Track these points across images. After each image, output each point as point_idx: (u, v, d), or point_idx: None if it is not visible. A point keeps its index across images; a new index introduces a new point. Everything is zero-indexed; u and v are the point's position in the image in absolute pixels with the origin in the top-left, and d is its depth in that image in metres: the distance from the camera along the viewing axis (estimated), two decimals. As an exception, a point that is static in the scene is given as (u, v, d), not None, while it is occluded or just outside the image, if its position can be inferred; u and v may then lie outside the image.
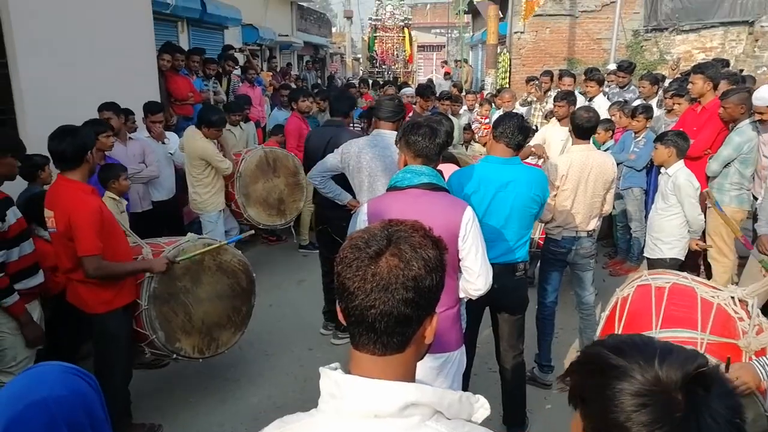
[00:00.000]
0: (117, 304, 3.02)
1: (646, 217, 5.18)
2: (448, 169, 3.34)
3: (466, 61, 19.24)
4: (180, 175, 5.61)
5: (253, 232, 4.89)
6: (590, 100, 6.54)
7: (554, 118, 5.74)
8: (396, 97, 4.86)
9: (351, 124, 4.85)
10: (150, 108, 5.16)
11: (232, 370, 4.04)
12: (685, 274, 2.45)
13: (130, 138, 4.91)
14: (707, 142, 4.82)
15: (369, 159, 3.61)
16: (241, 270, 3.64)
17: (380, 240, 1.07)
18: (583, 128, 3.74)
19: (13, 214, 2.99)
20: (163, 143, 5.35)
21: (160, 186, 5.21)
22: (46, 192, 3.07)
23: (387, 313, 1.03)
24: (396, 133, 3.70)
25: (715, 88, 5.05)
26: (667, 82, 7.85)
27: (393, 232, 1.09)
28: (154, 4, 6.74)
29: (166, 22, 8.89)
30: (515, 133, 3.04)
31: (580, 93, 6.63)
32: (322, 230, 4.47)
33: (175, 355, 3.30)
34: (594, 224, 3.88)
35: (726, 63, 7.75)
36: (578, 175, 3.73)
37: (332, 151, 4.20)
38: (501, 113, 6.18)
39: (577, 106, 5.05)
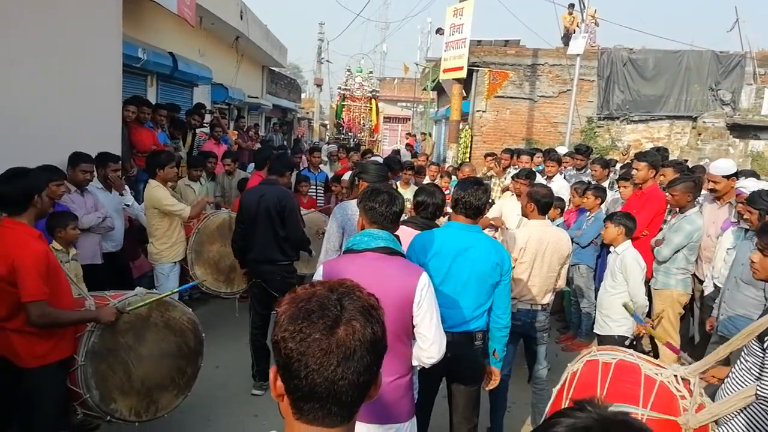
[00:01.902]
0: (52, 359, 2.84)
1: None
2: (405, 234, 3.37)
3: (429, 134, 19.92)
4: (131, 228, 5.50)
5: (206, 280, 4.81)
6: (548, 179, 6.81)
7: (509, 192, 5.94)
8: (378, 162, 4.99)
9: (290, 186, 4.98)
10: (110, 158, 5.10)
11: (170, 435, 3.82)
12: (631, 351, 2.50)
13: (86, 189, 4.81)
14: (644, 224, 5.08)
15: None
16: (189, 329, 3.49)
17: (334, 306, 1.01)
18: (542, 204, 3.87)
19: None
20: (121, 194, 5.25)
21: (109, 238, 5.06)
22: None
23: (353, 382, 0.99)
24: None
25: (655, 174, 5.39)
26: (618, 166, 8.30)
27: (342, 295, 1.04)
28: (125, 57, 6.79)
29: (135, 76, 8.95)
30: (470, 204, 3.08)
31: (539, 172, 6.92)
32: (255, 284, 4.51)
33: (108, 417, 3.07)
34: (548, 298, 3.95)
35: (665, 151, 8.28)
36: (536, 249, 3.83)
37: (265, 207, 4.36)
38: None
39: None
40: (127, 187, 5.43)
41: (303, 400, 0.99)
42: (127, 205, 5.30)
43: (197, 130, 8.76)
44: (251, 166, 8.82)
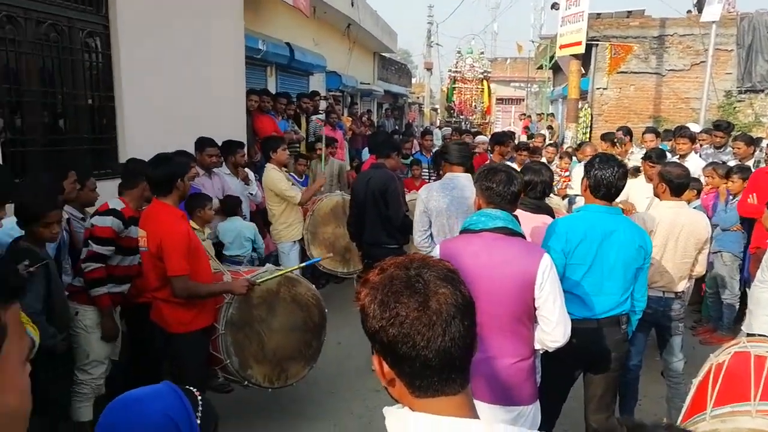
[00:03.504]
0: (196, 326, 3.11)
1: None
2: (525, 218, 3.25)
3: (552, 115, 19.05)
4: (257, 210, 5.84)
5: (330, 255, 5.01)
6: (680, 158, 6.26)
7: (641, 174, 5.53)
8: (463, 141, 4.95)
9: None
10: (237, 145, 5.45)
11: (297, 404, 4.04)
12: (792, 344, 2.24)
13: (213, 172, 5.17)
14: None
15: (448, 201, 3.68)
16: (314, 304, 3.67)
17: (416, 281, 1.02)
18: (675, 184, 3.57)
19: (133, 232, 3.35)
20: (247, 185, 5.59)
21: None
22: (142, 213, 3.28)
23: (462, 346, 1.00)
24: (468, 175, 3.77)
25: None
26: (765, 144, 7.44)
27: (419, 268, 1.04)
28: (247, 50, 7.21)
29: (256, 67, 9.44)
30: (614, 186, 2.88)
31: (668, 151, 6.39)
32: (368, 264, 4.64)
33: (246, 382, 3.35)
34: (683, 286, 3.66)
35: None
36: (667, 233, 3.56)
37: (372, 191, 4.48)
38: (581, 167, 6.05)
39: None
40: (252, 177, 5.78)
41: (419, 377, 1.00)
42: (251, 194, 5.64)
43: (313, 117, 9.09)
44: (365, 151, 9.06)
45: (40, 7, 4.19)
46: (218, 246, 5.03)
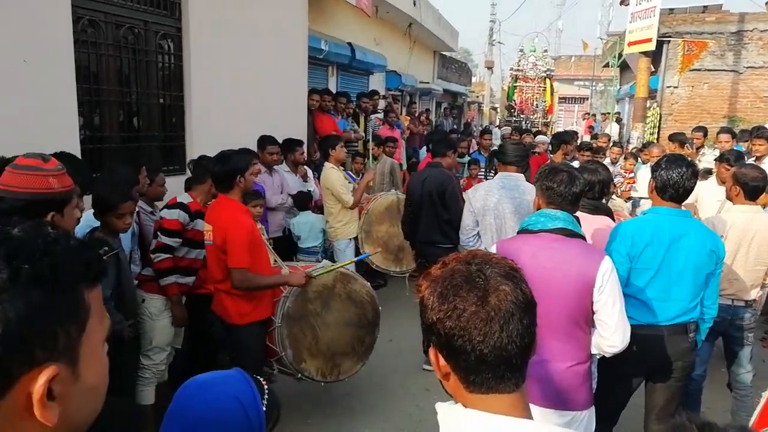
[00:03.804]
0: (254, 318, 3.23)
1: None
2: (585, 219, 3.17)
3: (618, 114, 18.37)
4: (314, 208, 5.98)
5: (379, 250, 5.08)
6: (757, 159, 5.91)
7: (711, 176, 5.27)
8: (520, 140, 4.90)
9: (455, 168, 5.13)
10: (296, 143, 5.60)
11: (349, 399, 4.11)
12: None
13: (274, 169, 5.32)
14: None
15: (496, 200, 3.66)
16: (368, 301, 3.72)
17: (477, 276, 1.01)
18: (750, 187, 3.39)
19: (199, 225, 3.50)
20: (305, 181, 5.72)
21: (293, 215, 5.56)
22: (207, 208, 3.43)
23: (520, 345, 1.00)
24: (521, 175, 3.73)
25: None
26: None
27: (481, 264, 1.04)
28: (310, 50, 7.35)
29: (318, 67, 9.60)
30: (681, 187, 2.77)
31: (744, 153, 6.05)
32: (422, 263, 4.69)
33: (299, 375, 3.43)
34: (755, 294, 3.47)
35: None
36: (739, 238, 3.39)
37: (428, 191, 4.50)
38: (646, 168, 5.83)
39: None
40: (310, 174, 5.92)
41: (473, 372, 1.00)
42: (309, 191, 5.77)
43: (372, 116, 9.17)
44: (423, 150, 9.08)
45: (119, 11, 4.44)
46: (279, 240, 5.21)
